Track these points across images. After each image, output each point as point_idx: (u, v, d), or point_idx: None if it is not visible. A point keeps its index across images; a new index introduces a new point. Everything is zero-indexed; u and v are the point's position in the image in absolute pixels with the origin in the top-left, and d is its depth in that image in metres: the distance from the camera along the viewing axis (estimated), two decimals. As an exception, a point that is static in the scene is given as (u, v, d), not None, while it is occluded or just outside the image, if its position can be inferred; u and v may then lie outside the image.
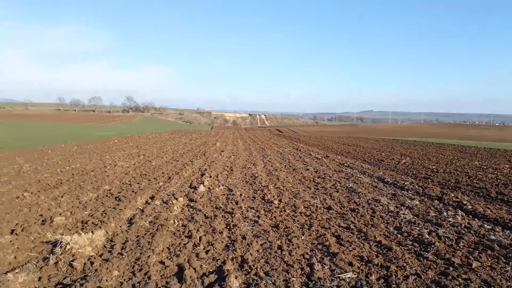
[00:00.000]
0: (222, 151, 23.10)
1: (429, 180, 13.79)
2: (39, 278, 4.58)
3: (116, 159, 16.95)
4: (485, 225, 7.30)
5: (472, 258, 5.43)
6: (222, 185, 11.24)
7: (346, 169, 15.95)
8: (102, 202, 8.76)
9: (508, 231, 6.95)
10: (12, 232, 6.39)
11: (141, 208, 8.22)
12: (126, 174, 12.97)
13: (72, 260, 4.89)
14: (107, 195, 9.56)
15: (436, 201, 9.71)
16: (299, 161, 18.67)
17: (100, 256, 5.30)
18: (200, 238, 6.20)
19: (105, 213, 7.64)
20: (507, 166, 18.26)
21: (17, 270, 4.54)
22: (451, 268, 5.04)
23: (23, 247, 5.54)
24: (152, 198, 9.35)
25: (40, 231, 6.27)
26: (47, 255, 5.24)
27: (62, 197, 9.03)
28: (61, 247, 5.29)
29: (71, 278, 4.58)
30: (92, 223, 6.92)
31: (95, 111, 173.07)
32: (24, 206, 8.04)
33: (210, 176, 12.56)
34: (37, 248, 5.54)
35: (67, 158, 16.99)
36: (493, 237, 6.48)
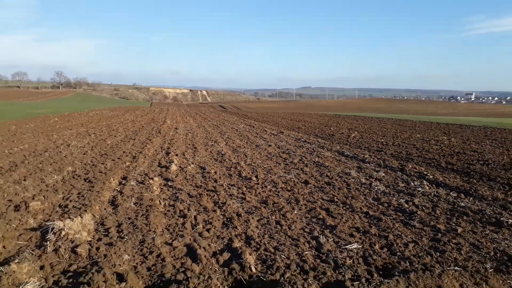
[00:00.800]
0: (176, 128, 22.57)
1: (382, 152, 14.60)
2: (41, 267, 4.27)
3: (66, 139, 15.91)
4: (451, 193, 7.97)
5: (454, 224, 5.95)
6: (192, 163, 11.06)
7: (305, 144, 16.39)
8: (71, 185, 8.26)
9: (472, 198, 7.66)
10: (-14, 220, 5.86)
11: (119, 190, 7.88)
12: (84, 154, 12.26)
13: (75, 246, 4.61)
14: (73, 177, 9.02)
15: (399, 172, 10.37)
16: (257, 137, 18.83)
17: (99, 240, 5.05)
18: (195, 217, 6.12)
19: (82, 196, 7.22)
20: (445, 138, 19.83)
21: (16, 260, 4.20)
22: (439, 234, 5.49)
23: (8, 235, 5.10)
24: (124, 178, 8.98)
25: (19, 217, 5.80)
26: (41, 242, 4.90)
27: (25, 180, 8.37)
28: (54, 233, 4.96)
29: (78, 265, 4.33)
30: (73, 206, 6.52)
31: (21, 87, 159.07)
32: (-15, 192, 7.36)
33: (177, 155, 12.28)
34: (24, 236, 5.14)
35: (9, 138, 15.64)
36: (462, 204, 7.11)
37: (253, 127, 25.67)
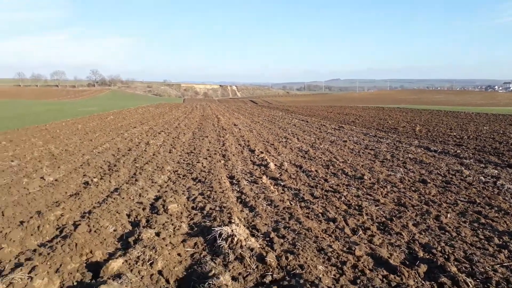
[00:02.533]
0: (235, 124, 22.42)
1: (464, 147, 13.83)
2: (233, 278, 4.04)
3: (139, 137, 16.00)
4: None
5: None
6: (283, 161, 10.75)
7: (380, 139, 15.78)
8: (183, 185, 8.14)
9: None
10: (135, 223, 5.74)
11: (238, 190, 7.66)
12: (169, 152, 12.22)
13: (261, 255, 4.36)
14: (180, 177, 8.92)
15: (509, 169, 9.70)
16: (322, 132, 18.35)
17: (270, 247, 4.77)
18: (345, 221, 5.79)
19: (208, 197, 7.04)
20: (519, 130, 18.71)
21: (212, 271, 3.99)
22: None
23: (173, 241, 4.94)
24: (232, 178, 8.79)
25: (169, 221, 5.65)
26: (212, 249, 4.69)
27: (136, 181, 8.30)
28: (225, 240, 4.74)
29: (273, 276, 4.06)
30: (210, 208, 6.34)
31: (59, 86, 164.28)
32: (108, 193, 7.33)
33: (262, 152, 12.02)
34: (189, 242, 4.96)
35: (84, 137, 15.85)
36: None
37: (308, 122, 25.19)
